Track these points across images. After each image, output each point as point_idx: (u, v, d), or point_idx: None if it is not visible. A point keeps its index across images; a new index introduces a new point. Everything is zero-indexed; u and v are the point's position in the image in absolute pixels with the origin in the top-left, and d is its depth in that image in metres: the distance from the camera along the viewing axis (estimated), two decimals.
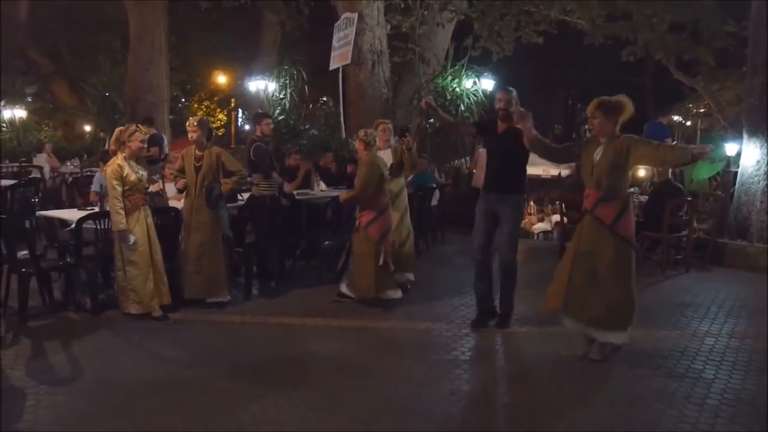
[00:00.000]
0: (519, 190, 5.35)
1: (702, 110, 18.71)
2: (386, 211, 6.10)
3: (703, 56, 13.18)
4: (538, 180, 20.68)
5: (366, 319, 5.71)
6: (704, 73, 14.17)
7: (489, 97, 11.98)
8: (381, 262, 5.94)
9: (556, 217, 12.63)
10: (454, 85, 12.00)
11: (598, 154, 4.53)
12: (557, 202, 16.85)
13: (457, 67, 12.20)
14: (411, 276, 6.69)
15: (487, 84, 12.49)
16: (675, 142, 10.51)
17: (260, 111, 9.32)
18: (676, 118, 19.41)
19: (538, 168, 18.46)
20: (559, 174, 17.16)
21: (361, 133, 6.17)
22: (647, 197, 8.94)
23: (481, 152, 9.57)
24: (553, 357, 4.86)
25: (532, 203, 21.08)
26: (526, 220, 17.63)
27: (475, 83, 12.17)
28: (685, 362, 4.74)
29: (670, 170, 8.53)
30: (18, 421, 3.69)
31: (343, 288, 6.24)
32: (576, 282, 4.54)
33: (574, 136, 35.45)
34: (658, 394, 4.14)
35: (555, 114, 35.66)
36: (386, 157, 6.51)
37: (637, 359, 4.77)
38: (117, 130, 5.68)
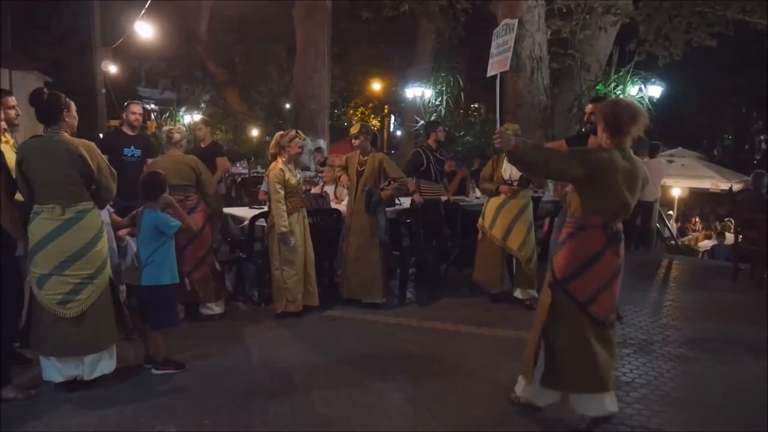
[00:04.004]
0: None
1: None
2: None
3: None
4: (705, 194, 19.24)
5: (522, 330, 5.60)
6: None
7: (656, 105, 11.33)
8: None
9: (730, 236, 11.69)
10: (618, 92, 11.46)
11: None
12: (726, 219, 15.62)
13: (621, 74, 11.64)
14: (534, 293, 6.28)
15: (654, 91, 11.80)
16: None
17: (432, 120, 9.53)
18: None
19: (705, 181, 17.20)
20: (731, 188, 15.82)
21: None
22: None
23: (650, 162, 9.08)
24: (721, 385, 4.49)
25: (697, 219, 19.67)
26: (692, 236, 16.47)
27: (640, 90, 11.54)
28: None
29: None
30: (188, 400, 4.03)
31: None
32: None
33: (746, 147, 32.68)
34: None
35: (725, 123, 33.02)
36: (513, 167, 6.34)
37: None
38: (277, 134, 5.95)
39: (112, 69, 16.48)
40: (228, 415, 3.85)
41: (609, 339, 3.60)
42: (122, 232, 4.77)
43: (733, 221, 8.38)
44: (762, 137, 32.79)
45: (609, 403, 3.64)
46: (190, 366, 4.55)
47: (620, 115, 3.47)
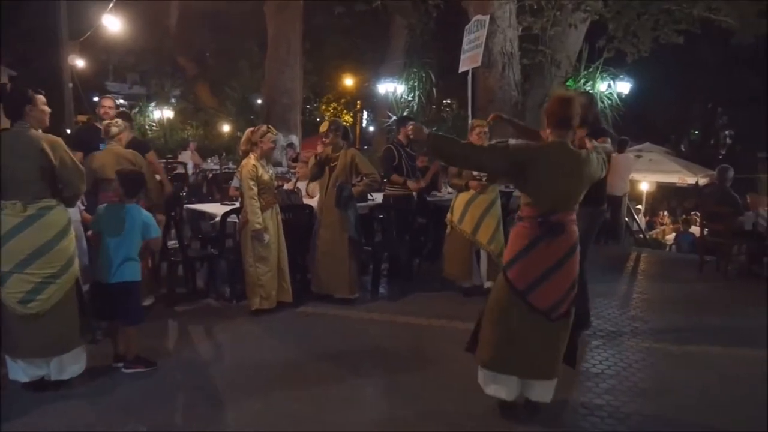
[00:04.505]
0: (597, 201, 4.97)
1: None
2: None
3: None
4: (672, 188, 19.59)
5: None
6: None
7: (624, 101, 11.49)
8: None
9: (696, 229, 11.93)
10: (587, 88, 11.61)
11: None
12: (692, 213, 15.93)
13: (590, 70, 11.79)
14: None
15: (623, 87, 11.98)
16: None
17: (403, 115, 9.54)
18: None
19: (672, 176, 17.51)
20: (697, 182, 16.14)
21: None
22: None
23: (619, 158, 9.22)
24: (693, 382, 4.60)
25: (665, 213, 20.03)
26: (659, 230, 16.78)
27: (609, 86, 11.71)
28: None
29: None
30: (161, 400, 4.00)
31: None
32: None
33: (712, 142, 33.31)
34: None
35: (692, 119, 33.60)
36: None
37: None
38: (248, 131, 5.90)
39: (80, 63, 16.20)
40: (201, 413, 3.83)
41: (553, 331, 3.65)
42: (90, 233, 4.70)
43: (699, 214, 8.53)
44: (726, 133, 33.46)
45: (539, 391, 3.75)
46: (162, 364, 4.51)
47: (555, 110, 3.62)
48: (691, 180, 16.57)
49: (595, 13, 12.15)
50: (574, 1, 11.98)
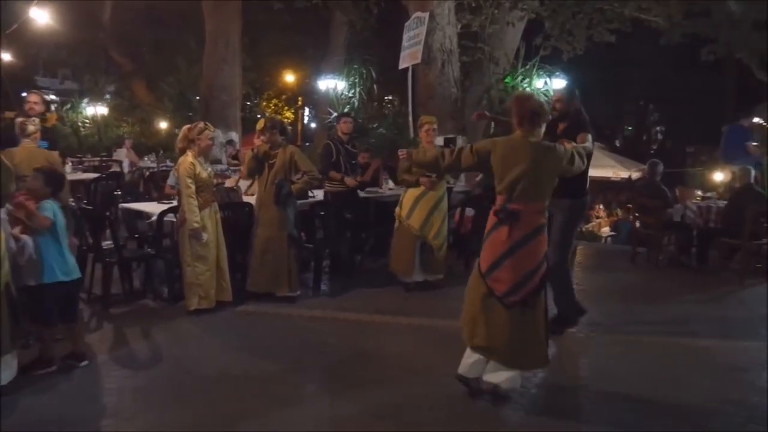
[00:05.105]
0: (575, 193, 5.09)
1: None
2: None
3: None
4: (606, 182, 20.19)
5: (434, 318, 5.72)
6: None
7: None
8: None
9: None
10: (525, 85, 11.84)
11: None
12: (627, 206, 16.47)
13: (527, 67, 12.03)
14: (441, 276, 6.76)
15: (559, 84, 12.25)
16: (756, 144, 10.04)
17: (340, 112, 9.53)
18: (756, 120, 18.55)
19: (607, 170, 18.04)
20: (630, 177, 16.68)
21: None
22: (726, 202, 8.60)
23: None
24: (627, 368, 4.76)
25: (600, 206, 20.62)
26: (595, 223, 17.25)
27: (546, 83, 11.97)
28: (766, 375, 4.55)
29: (752, 175, 8.18)
30: (102, 403, 3.89)
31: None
32: None
33: (644, 138, 34.52)
34: (738, 408, 3.99)
35: (625, 115, 34.71)
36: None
37: (717, 371, 4.62)
38: (184, 128, 5.79)
39: (6, 57, 15.51)
40: (140, 416, 3.73)
41: (507, 318, 3.81)
42: (15, 231, 4.51)
43: (631, 207, 8.84)
44: (658, 129, 34.71)
45: (495, 375, 3.92)
46: (98, 366, 4.39)
47: (513, 109, 3.95)
48: (624, 174, 17.13)
49: (532, 11, 12.42)
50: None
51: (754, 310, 6.31)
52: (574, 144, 4.27)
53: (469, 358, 3.99)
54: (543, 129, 4.09)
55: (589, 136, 4.88)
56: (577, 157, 4.04)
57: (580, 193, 5.27)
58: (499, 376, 3.93)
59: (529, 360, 3.96)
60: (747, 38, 12.37)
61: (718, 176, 11.73)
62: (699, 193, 10.56)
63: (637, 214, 8.91)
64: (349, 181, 7.10)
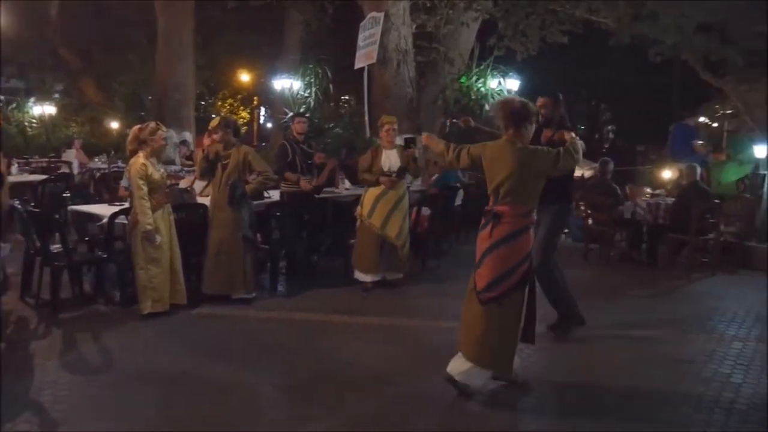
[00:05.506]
0: (559, 199, 5.13)
1: (729, 111, 18.41)
2: None
3: (732, 57, 13.00)
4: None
5: (392, 317, 5.75)
6: (733, 73, 13.96)
7: None
8: None
9: None
10: (479, 85, 11.98)
11: None
12: (579, 204, 16.81)
13: (482, 67, 12.17)
14: (401, 275, 6.82)
15: (512, 84, 12.45)
16: (701, 143, 10.36)
17: (300, 112, 9.50)
18: (701, 119, 19.15)
19: None
20: (582, 175, 17.03)
21: None
22: (673, 199, 8.86)
23: None
24: (579, 362, 4.86)
25: None
26: None
27: (500, 83, 12.14)
28: (712, 366, 4.71)
29: (698, 172, 8.43)
30: (52, 411, 3.78)
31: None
32: None
33: (596, 137, 35.25)
34: (685, 398, 4.11)
35: (578, 114, 35.42)
36: (392, 156, 6.60)
37: (663, 363, 4.75)
38: (135, 128, 5.69)
39: None
40: (92, 423, 3.64)
41: (479, 313, 3.95)
42: None
43: (584, 205, 9.03)
44: (609, 128, 35.48)
45: (458, 366, 4.00)
46: (47, 373, 4.27)
47: (496, 114, 4.15)
48: (577, 173, 17.44)
49: (485, 12, 12.56)
50: (466, 0, 12.33)
51: (701, 304, 6.52)
52: (571, 135, 4.31)
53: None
54: (532, 128, 4.15)
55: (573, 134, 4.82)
56: (563, 157, 4.06)
57: (567, 199, 5.35)
58: (457, 368, 4.00)
59: (492, 360, 4.01)
60: (692, 41, 12.75)
61: (667, 174, 12.07)
62: (648, 190, 10.85)
63: (589, 212, 9.10)
64: (304, 184, 7.06)
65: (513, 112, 4.02)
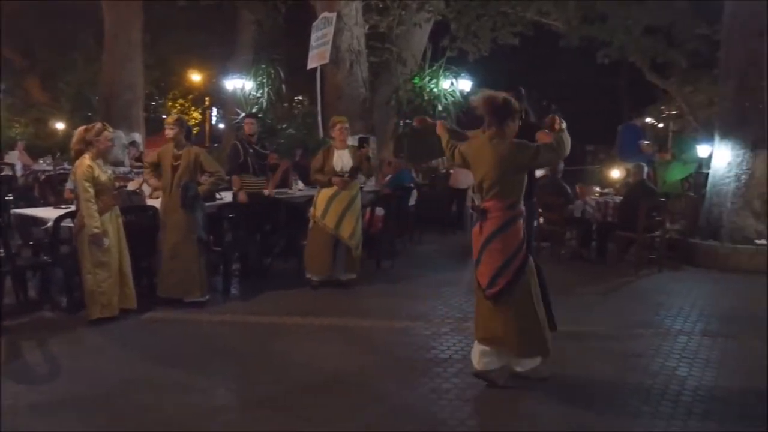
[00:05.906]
0: (530, 195, 4.97)
1: (674, 112, 19.02)
2: None
3: (676, 59, 13.43)
4: None
5: (346, 318, 5.74)
6: (677, 75, 14.42)
7: (466, 97, 12.05)
8: None
9: None
10: (432, 86, 12.06)
11: None
12: None
13: (434, 68, 12.26)
14: (354, 275, 6.85)
15: (464, 85, 12.56)
16: (647, 143, 10.65)
17: (251, 113, 9.44)
18: (648, 120, 19.70)
19: None
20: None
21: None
22: (621, 198, 9.08)
23: None
24: None
25: None
26: None
27: (452, 84, 12.23)
28: (659, 360, 4.83)
29: (645, 171, 8.66)
30: None
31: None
32: None
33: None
34: (633, 391, 4.21)
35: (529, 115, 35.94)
36: (344, 156, 6.60)
37: (612, 357, 4.86)
38: (80, 129, 5.56)
39: None
40: None
41: (489, 307, 4.09)
42: None
43: (535, 204, 9.17)
44: None
45: (489, 360, 4.15)
46: None
47: (481, 110, 4.15)
48: None
49: (438, 13, 12.66)
50: (419, 1, 12.39)
51: (648, 300, 6.70)
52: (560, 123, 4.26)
53: (476, 349, 4.20)
54: (515, 124, 4.17)
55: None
56: (544, 152, 4.10)
57: (529, 195, 5.35)
58: (523, 366, 4.20)
59: (530, 347, 4.16)
60: (639, 42, 13.11)
61: (615, 173, 12.39)
62: (597, 189, 11.12)
63: (540, 211, 9.24)
64: (242, 197, 7.02)
65: (495, 107, 4.08)
